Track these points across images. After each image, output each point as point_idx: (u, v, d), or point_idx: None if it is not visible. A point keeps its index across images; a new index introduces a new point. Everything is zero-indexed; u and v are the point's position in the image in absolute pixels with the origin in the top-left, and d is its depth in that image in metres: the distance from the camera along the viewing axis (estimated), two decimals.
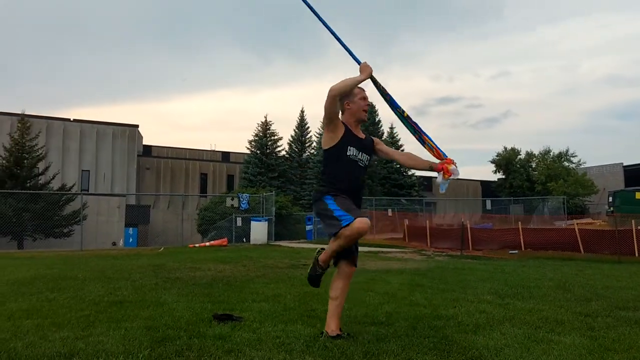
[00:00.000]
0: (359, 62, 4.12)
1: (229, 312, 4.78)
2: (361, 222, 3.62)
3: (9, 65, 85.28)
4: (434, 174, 4.21)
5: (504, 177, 49.02)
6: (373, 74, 4.07)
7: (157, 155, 46.78)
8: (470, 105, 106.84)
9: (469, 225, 18.40)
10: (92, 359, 3.21)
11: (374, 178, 40.25)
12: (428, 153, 4.18)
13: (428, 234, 19.70)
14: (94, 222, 28.62)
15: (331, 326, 3.91)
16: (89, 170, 40.43)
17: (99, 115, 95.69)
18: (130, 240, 30.04)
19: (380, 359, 3.34)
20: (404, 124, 4.25)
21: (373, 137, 4.27)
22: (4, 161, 28.79)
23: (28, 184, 28.03)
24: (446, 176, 4.03)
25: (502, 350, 3.63)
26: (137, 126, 43.16)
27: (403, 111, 4.20)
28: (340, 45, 4.28)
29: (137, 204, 38.58)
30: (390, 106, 4.23)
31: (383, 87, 4.15)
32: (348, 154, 3.97)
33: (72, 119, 40.89)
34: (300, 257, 12.76)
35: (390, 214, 28.93)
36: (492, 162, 49.56)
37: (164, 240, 31.50)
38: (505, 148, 49.29)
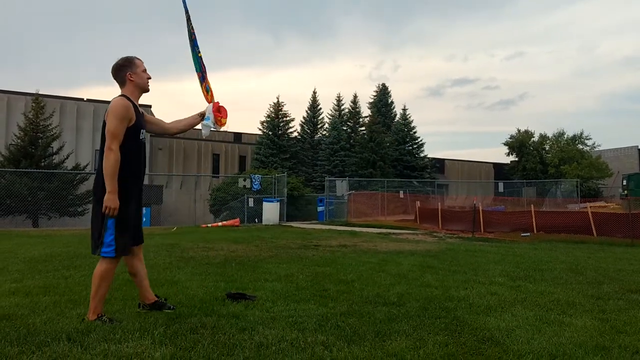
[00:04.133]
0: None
1: (242, 291, 4.84)
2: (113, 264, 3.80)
3: (25, 45, 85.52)
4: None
5: (517, 159, 48.64)
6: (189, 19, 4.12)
7: (169, 136, 46.86)
8: (486, 87, 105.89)
9: (481, 208, 18.34)
10: (109, 335, 3.27)
11: (385, 160, 40.12)
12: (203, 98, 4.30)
13: (440, 216, 19.67)
14: None
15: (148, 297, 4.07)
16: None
17: (112, 95, 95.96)
18: (144, 219, 30.24)
19: (392, 338, 3.38)
20: (194, 60, 4.27)
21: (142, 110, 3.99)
22: (18, 140, 29.02)
23: (42, 163, 28.26)
24: (219, 118, 4.19)
25: (513, 331, 3.65)
26: (150, 106, 43.22)
27: (199, 51, 4.25)
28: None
29: (150, 184, 38.80)
30: (191, 44, 4.24)
31: (192, 28, 4.21)
32: (141, 137, 3.82)
33: (85, 99, 41.02)
34: (312, 237, 12.82)
35: (402, 195, 28.89)
36: (505, 144, 49.15)
37: (176, 220, 31.72)
38: (519, 130, 48.81)
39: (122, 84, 3.81)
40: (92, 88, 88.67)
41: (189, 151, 45.42)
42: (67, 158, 30.47)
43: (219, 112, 4.22)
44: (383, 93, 49.55)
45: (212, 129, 4.18)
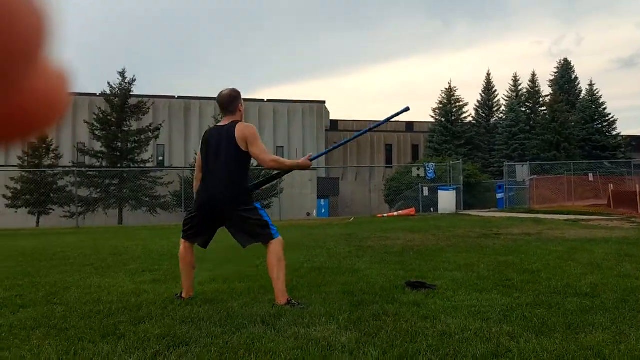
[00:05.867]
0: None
1: (422, 280, 4.83)
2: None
3: (208, 53, 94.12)
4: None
5: None
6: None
7: (343, 129, 48.31)
8: None
9: None
10: (298, 320, 3.48)
11: (570, 141, 37.09)
12: None
13: (638, 199, 17.66)
14: (290, 194, 30.67)
15: None
16: (283, 147, 43.31)
17: (289, 94, 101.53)
18: (323, 211, 31.64)
19: (587, 331, 3.13)
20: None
21: None
22: None
23: None
24: None
25: None
26: (324, 102, 44.98)
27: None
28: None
29: (327, 177, 40.41)
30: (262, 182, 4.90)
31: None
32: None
33: (265, 100, 44.04)
34: (492, 226, 12.33)
35: (591, 178, 26.46)
36: None
37: (353, 211, 32.62)
38: None
39: (233, 112, 4.34)
40: (270, 89, 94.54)
41: (362, 143, 46.36)
42: None
43: None
44: (565, 69, 45.81)
45: None
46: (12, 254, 8.43)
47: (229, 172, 4.19)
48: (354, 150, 45.87)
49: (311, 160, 4.41)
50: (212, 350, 2.84)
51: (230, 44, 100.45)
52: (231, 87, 4.42)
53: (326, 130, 45.08)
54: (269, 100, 43.74)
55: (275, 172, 4.67)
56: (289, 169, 4.53)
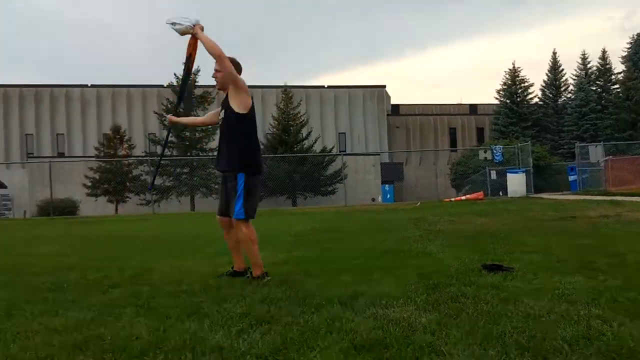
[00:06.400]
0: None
1: (498, 263, 4.72)
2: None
3: (271, 42, 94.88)
4: None
5: None
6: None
7: (405, 113, 47.78)
8: None
9: None
10: (375, 301, 3.47)
11: None
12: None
13: None
14: (354, 180, 30.66)
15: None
16: (345, 132, 43.32)
17: (350, 80, 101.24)
18: (388, 196, 31.47)
19: None
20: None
21: None
22: (274, 129, 32.52)
23: (295, 148, 31.22)
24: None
25: None
26: (384, 87, 44.57)
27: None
28: None
29: (390, 162, 40.13)
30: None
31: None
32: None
33: (326, 86, 44.10)
34: (566, 209, 11.88)
35: None
36: None
37: (418, 195, 32.25)
38: None
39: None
40: (331, 75, 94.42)
41: (425, 127, 45.72)
42: (315, 142, 33.16)
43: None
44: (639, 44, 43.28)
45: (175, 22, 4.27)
46: (95, 240, 8.87)
47: (227, 141, 4.38)
48: (417, 135, 45.31)
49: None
50: (294, 329, 2.87)
51: (292, 34, 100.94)
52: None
53: (387, 115, 44.69)
54: (329, 87, 43.78)
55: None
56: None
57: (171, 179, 28.99)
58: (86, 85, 41.46)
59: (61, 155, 38.55)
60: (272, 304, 3.47)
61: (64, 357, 2.53)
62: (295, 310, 3.31)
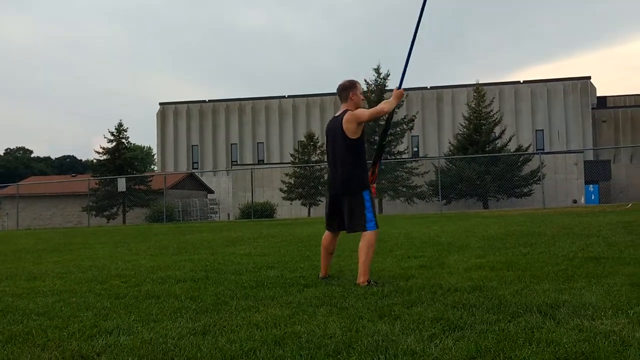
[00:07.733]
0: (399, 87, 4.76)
1: None
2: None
3: (466, 39, 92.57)
4: None
5: None
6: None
7: (613, 106, 43.25)
8: None
9: None
10: (579, 311, 3.20)
11: None
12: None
13: None
14: (553, 180, 28.57)
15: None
16: (542, 130, 40.60)
17: (549, 73, 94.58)
18: (592, 197, 28.77)
19: None
20: (379, 147, 5.31)
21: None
22: (464, 129, 31.66)
23: (487, 148, 30.03)
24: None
25: None
26: (588, 78, 40.84)
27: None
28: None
29: (595, 160, 36.63)
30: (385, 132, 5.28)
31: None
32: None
33: (521, 81, 41.80)
34: None
35: None
36: None
37: (629, 196, 28.96)
38: None
39: (345, 100, 4.74)
40: (527, 69, 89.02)
41: (638, 120, 40.93)
42: (509, 141, 31.59)
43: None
44: None
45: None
46: (291, 241, 9.47)
47: (342, 162, 4.62)
48: (627, 129, 40.71)
49: (398, 89, 4.73)
50: (489, 337, 2.76)
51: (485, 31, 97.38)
52: (349, 78, 4.80)
53: (592, 108, 40.85)
54: (525, 82, 41.48)
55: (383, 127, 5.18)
56: (389, 109, 4.63)
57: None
58: (283, 97, 44.66)
59: (261, 162, 42.02)
60: (464, 310, 3.39)
61: (264, 351, 2.72)
62: (489, 317, 3.18)
